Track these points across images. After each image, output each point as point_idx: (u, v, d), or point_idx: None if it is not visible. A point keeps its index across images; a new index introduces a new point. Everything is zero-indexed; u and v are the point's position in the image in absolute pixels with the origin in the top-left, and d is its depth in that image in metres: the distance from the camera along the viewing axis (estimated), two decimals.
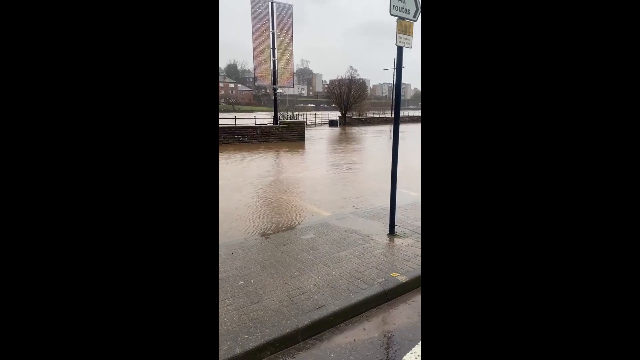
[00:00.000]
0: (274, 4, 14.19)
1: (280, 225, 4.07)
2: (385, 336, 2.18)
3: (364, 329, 2.24)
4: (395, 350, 2.05)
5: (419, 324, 2.27)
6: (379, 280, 2.67)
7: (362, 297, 2.45)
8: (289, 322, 2.17)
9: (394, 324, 2.30)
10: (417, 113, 51.06)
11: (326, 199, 5.36)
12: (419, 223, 4.03)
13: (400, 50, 3.26)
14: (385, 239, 3.58)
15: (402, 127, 26.01)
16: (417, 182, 6.55)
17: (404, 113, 51.63)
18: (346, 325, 2.29)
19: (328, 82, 31.40)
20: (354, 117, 30.19)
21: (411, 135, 17.62)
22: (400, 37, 3.17)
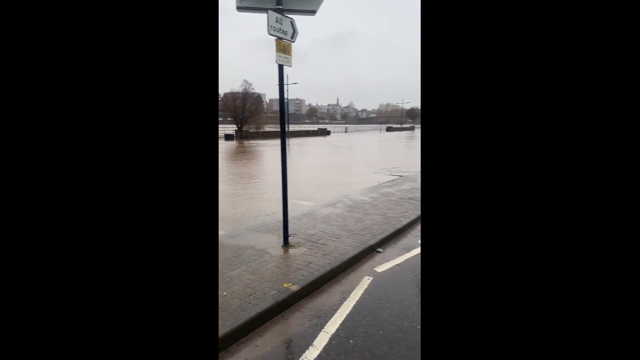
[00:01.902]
0: None
1: None
2: (277, 348, 2.18)
3: (256, 346, 2.20)
4: None
5: (310, 329, 2.36)
6: (272, 294, 2.68)
7: (254, 314, 2.41)
8: None
9: (286, 334, 2.33)
10: (313, 127, 53.75)
11: (221, 216, 5.11)
12: (312, 231, 4.23)
13: (280, 68, 3.41)
14: (280, 251, 3.62)
15: (299, 141, 27.09)
16: (311, 192, 6.88)
17: (300, 127, 53.76)
18: (237, 346, 2.20)
19: (222, 95, 30.37)
20: (251, 130, 29.91)
21: (308, 149, 18.44)
22: (279, 56, 3.33)
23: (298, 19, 3.51)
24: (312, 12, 3.52)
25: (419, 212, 5.17)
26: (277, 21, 3.22)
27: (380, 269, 3.35)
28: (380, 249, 3.84)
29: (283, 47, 3.33)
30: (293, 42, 3.45)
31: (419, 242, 4.10)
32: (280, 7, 3.32)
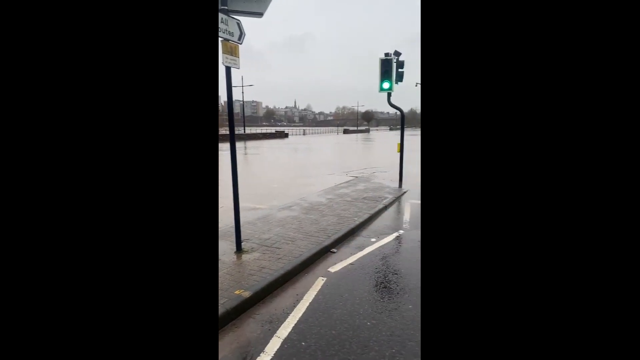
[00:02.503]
0: None
1: None
2: (227, 358, 2.12)
3: None
4: None
5: (262, 335, 2.33)
6: (222, 302, 2.59)
7: None
8: None
9: (238, 342, 2.27)
10: (271, 130, 53.13)
11: None
12: (266, 236, 4.17)
13: (228, 70, 3.33)
14: (233, 257, 3.52)
15: (256, 143, 26.55)
16: (267, 195, 6.79)
17: (257, 129, 52.89)
18: None
19: None
20: None
21: (265, 152, 18.18)
22: (226, 58, 3.25)
23: (248, 20, 3.46)
24: (259, 14, 3.48)
25: (371, 212, 5.34)
26: (222, 22, 3.14)
27: (334, 269, 3.40)
28: (334, 250, 3.90)
29: (230, 49, 3.26)
30: (240, 44, 3.39)
31: (372, 240, 4.24)
32: (226, 7, 3.25)
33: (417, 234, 4.50)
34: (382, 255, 3.76)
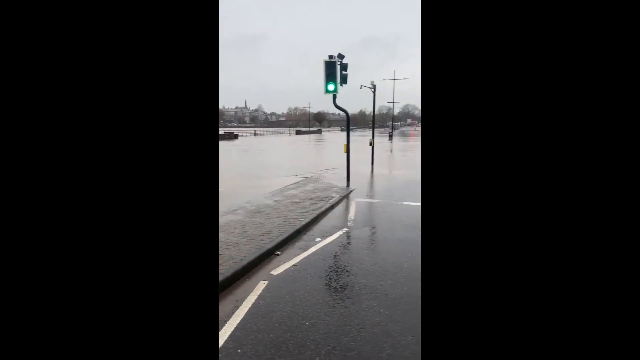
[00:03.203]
0: None
1: None
2: None
3: None
4: None
5: None
6: None
7: None
8: None
9: None
10: (220, 131, 51.17)
11: None
12: None
13: None
14: None
15: None
16: None
17: None
18: None
19: None
20: None
21: None
22: None
23: None
24: None
25: (318, 212, 5.41)
26: None
27: (277, 271, 3.37)
28: (278, 252, 3.87)
29: None
30: None
31: (317, 240, 4.29)
32: None
33: (360, 231, 4.65)
34: (326, 254, 3.82)
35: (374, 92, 13.07)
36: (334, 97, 7.68)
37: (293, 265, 3.53)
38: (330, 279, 3.20)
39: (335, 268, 3.46)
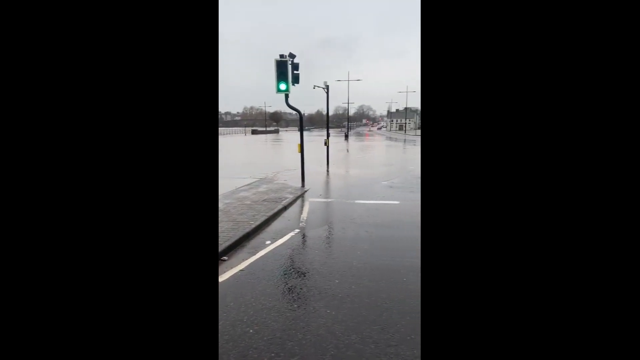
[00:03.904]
0: None
1: None
2: None
3: None
4: None
5: None
6: None
7: None
8: None
9: None
10: None
11: None
12: None
13: None
14: None
15: None
16: None
17: None
18: None
19: None
20: None
21: None
22: None
23: None
24: None
25: (269, 213, 5.30)
26: None
27: (223, 277, 3.22)
28: (225, 257, 3.71)
29: None
30: None
31: (266, 242, 4.19)
32: None
33: (312, 232, 4.64)
34: (276, 257, 3.74)
35: (327, 93, 13.22)
36: (286, 96, 7.60)
37: (240, 270, 3.40)
38: (278, 283, 3.13)
39: (284, 271, 3.40)
